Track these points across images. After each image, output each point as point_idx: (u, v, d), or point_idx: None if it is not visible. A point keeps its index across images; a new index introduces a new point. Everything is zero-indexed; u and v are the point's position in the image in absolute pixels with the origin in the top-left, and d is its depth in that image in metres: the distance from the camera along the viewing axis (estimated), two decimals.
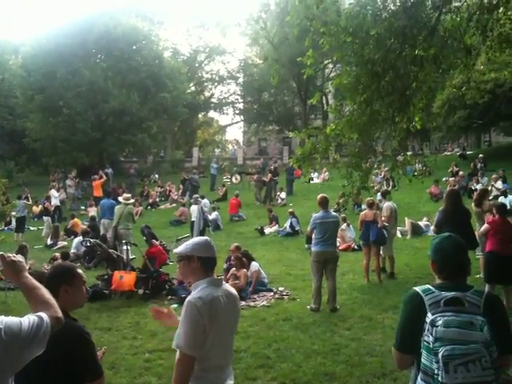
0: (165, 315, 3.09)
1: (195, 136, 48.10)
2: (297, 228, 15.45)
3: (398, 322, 2.48)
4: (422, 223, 14.28)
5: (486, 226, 7.44)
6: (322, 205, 7.86)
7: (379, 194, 13.45)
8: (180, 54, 43.14)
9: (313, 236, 7.86)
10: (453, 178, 19.32)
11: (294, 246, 14.06)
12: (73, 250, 13.10)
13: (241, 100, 45.47)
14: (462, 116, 22.87)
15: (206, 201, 17.98)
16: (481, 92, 18.86)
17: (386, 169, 16.20)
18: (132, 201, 13.28)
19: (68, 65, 28.01)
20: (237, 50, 47.32)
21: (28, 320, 1.88)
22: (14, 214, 16.91)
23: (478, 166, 21.20)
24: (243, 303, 8.12)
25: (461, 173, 20.16)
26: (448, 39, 7.72)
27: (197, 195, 16.86)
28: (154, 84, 30.29)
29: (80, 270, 2.69)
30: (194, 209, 15.14)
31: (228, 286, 2.87)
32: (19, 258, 2.10)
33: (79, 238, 13.39)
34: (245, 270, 9.07)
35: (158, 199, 23.55)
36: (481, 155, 22.65)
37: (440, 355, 2.12)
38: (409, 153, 10.36)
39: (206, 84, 46.63)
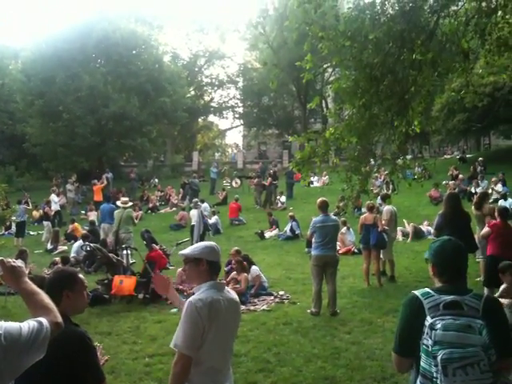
0: (166, 282, 3.11)
1: (195, 140, 48.18)
2: (297, 232, 15.44)
3: (397, 326, 2.48)
4: (424, 227, 14.30)
5: (487, 229, 7.43)
6: (321, 208, 7.86)
7: (379, 197, 13.46)
8: (180, 58, 43.26)
9: (313, 240, 7.87)
10: (452, 182, 19.33)
11: (294, 249, 14.05)
12: (73, 255, 13.09)
13: (240, 104, 45.56)
14: (461, 119, 22.90)
15: (205, 205, 17.98)
16: (480, 95, 18.93)
17: (385, 172, 16.21)
18: (130, 204, 13.27)
19: (67, 69, 28.05)
20: (236, 54, 47.75)
21: (28, 325, 1.88)
22: (14, 218, 16.89)
23: (478, 169, 21.21)
24: (243, 307, 8.11)
25: (460, 176, 20.17)
26: (446, 43, 7.74)
27: (197, 199, 16.84)
28: (154, 88, 30.33)
29: (81, 275, 2.70)
30: (193, 213, 15.13)
31: (231, 292, 2.87)
32: (19, 263, 2.11)
33: (79, 243, 13.38)
34: (246, 274, 9.07)
35: (158, 203, 23.54)
36: (480, 158, 22.67)
37: (439, 358, 2.13)
38: (408, 156, 10.36)
39: (205, 88, 46.72)
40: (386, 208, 10.34)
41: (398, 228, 12.64)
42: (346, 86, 8.02)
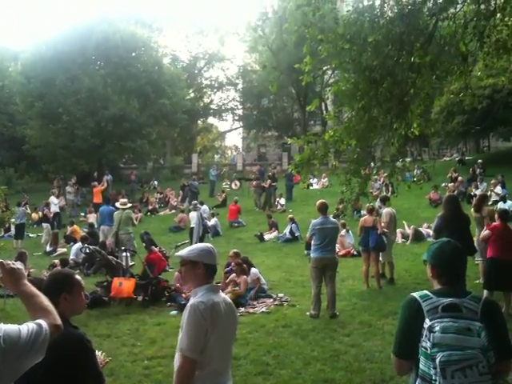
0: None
1: (195, 142, 48.16)
2: (296, 234, 15.44)
3: (396, 328, 2.49)
4: (424, 230, 14.30)
5: (487, 231, 7.44)
6: (321, 211, 7.86)
7: (378, 199, 13.47)
8: (179, 60, 43.27)
9: (312, 242, 7.87)
10: (452, 184, 19.35)
11: (293, 252, 14.05)
12: (72, 257, 13.08)
13: (240, 106, 45.56)
14: (460, 121, 22.90)
15: (205, 207, 17.98)
16: (479, 98, 18.92)
17: (384, 175, 16.23)
18: (129, 205, 13.27)
19: (67, 71, 28.06)
20: (236, 56, 47.52)
21: (27, 327, 1.88)
22: (13, 220, 16.89)
23: (477, 171, 21.21)
24: (242, 310, 8.12)
25: (460, 178, 20.17)
26: (445, 46, 7.76)
27: (196, 201, 16.86)
28: (154, 90, 30.34)
29: (79, 277, 2.69)
30: (193, 215, 15.14)
31: (224, 295, 2.89)
32: (18, 265, 2.11)
33: (78, 245, 13.37)
34: (245, 276, 9.06)
35: (157, 205, 23.54)
36: (480, 160, 22.67)
37: (437, 361, 2.13)
38: (407, 159, 10.37)
39: (205, 90, 46.74)
40: (386, 210, 10.34)
41: (398, 230, 12.64)
42: (346, 88, 8.05)
